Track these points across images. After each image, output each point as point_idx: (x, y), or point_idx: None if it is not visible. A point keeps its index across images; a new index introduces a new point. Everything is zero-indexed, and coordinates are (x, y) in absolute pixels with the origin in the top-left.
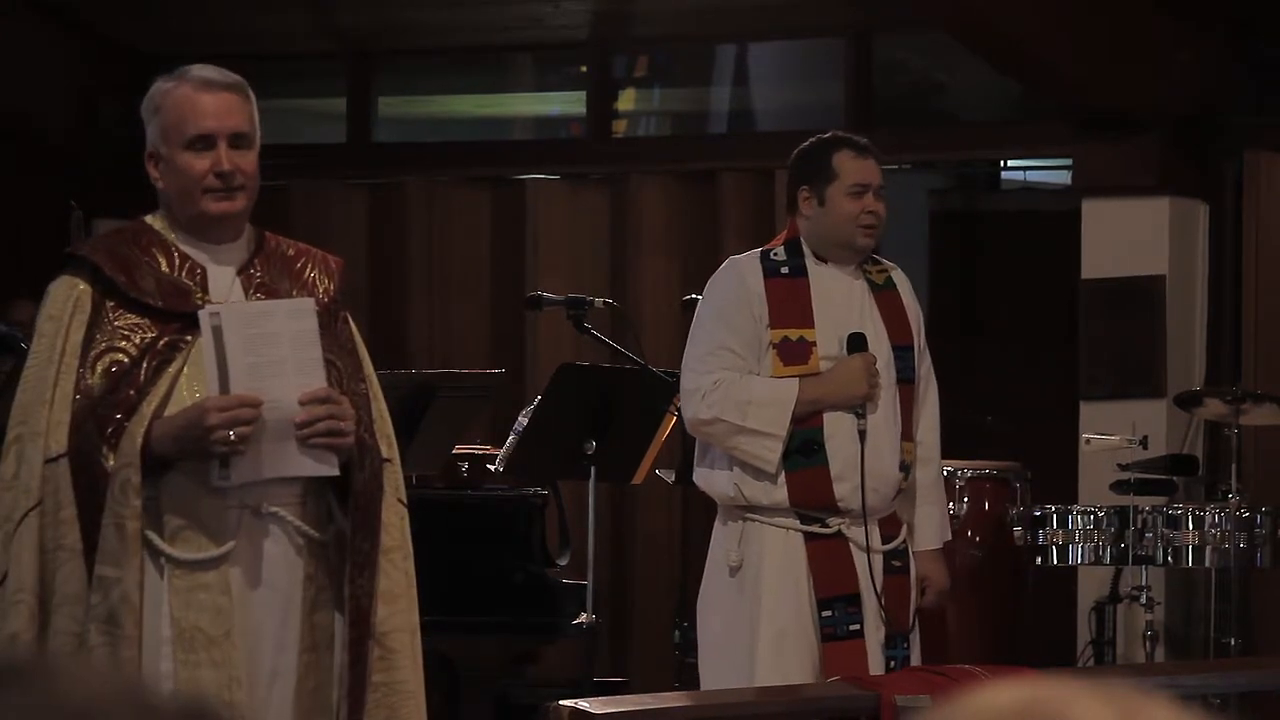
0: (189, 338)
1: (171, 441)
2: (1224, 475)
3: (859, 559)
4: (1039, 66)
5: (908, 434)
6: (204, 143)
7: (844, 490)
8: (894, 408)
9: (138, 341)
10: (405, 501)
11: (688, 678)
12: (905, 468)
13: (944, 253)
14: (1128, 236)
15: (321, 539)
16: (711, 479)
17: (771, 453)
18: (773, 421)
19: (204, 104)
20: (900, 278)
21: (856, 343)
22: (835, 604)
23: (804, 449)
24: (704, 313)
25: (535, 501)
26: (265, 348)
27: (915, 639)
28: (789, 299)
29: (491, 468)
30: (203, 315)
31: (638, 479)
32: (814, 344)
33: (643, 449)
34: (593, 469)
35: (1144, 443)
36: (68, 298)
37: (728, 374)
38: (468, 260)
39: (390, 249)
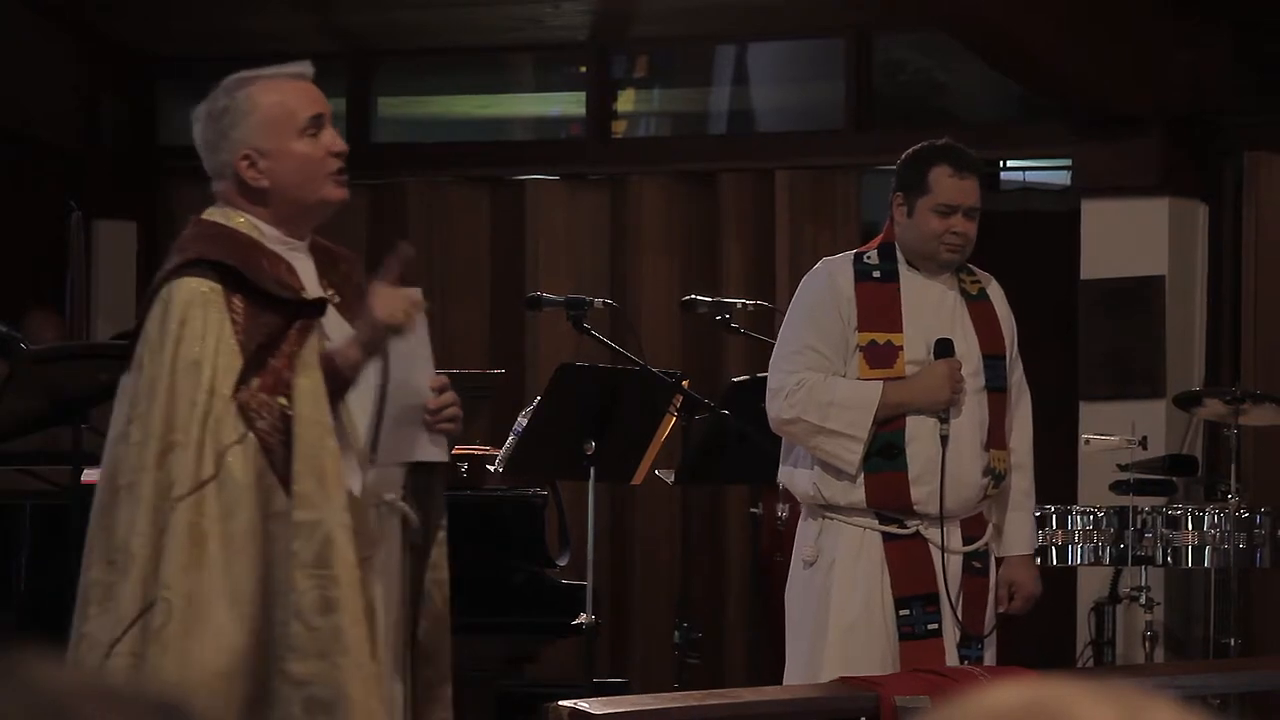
0: (315, 324)
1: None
2: (1223, 475)
3: (937, 559)
4: (1039, 66)
5: (998, 442)
6: (316, 125)
7: (921, 494)
8: (980, 415)
9: (272, 332)
10: None
11: (688, 678)
12: (997, 475)
13: None
14: (1127, 236)
15: (414, 525)
16: (793, 477)
17: (852, 454)
18: (854, 424)
19: (305, 90)
20: (994, 289)
21: (943, 348)
22: (912, 603)
23: (884, 451)
24: (793, 312)
25: (535, 501)
26: (407, 335)
27: (992, 641)
28: (878, 303)
29: (491, 468)
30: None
31: (638, 479)
32: (901, 348)
33: (643, 449)
34: (592, 469)
35: (1143, 443)
36: (201, 300)
37: (812, 374)
38: (468, 260)
39: (390, 249)
